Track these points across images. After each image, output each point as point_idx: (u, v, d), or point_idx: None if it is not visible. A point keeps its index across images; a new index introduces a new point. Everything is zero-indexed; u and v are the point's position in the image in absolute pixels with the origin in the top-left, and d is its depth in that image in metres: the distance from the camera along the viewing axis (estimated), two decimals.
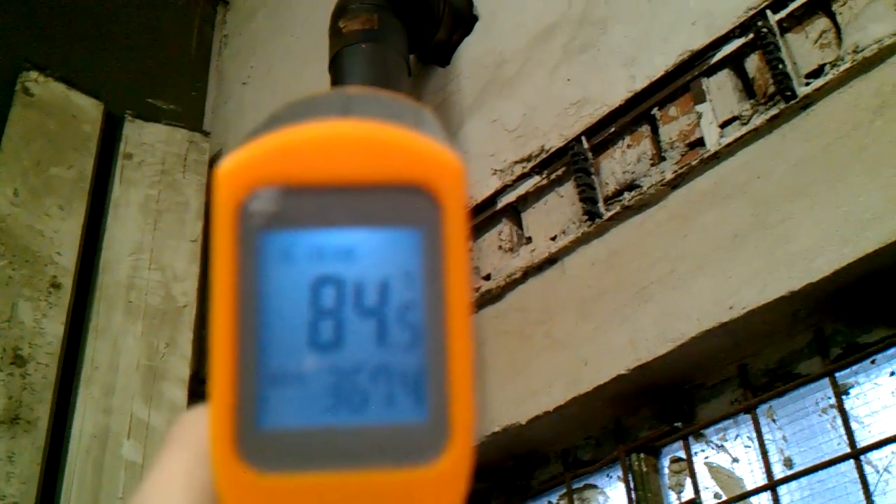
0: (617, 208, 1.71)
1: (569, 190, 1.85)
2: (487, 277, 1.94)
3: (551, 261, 1.82)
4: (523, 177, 1.94)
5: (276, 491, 0.31)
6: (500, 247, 1.96)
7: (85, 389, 2.39)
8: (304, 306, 0.32)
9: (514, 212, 1.98)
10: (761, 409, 1.53)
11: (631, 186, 1.73)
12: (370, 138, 0.32)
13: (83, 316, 2.53)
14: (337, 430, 0.32)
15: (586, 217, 1.76)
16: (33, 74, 2.77)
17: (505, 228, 1.97)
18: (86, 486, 2.26)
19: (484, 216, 2.01)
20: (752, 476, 1.53)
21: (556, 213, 1.86)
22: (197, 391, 2.59)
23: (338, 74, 2.02)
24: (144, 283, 2.67)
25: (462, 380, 0.31)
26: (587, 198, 1.77)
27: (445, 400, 0.31)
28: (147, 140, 2.97)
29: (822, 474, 1.43)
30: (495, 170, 2.01)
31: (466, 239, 0.32)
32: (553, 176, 1.89)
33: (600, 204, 1.76)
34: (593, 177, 1.80)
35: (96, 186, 2.76)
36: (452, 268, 0.32)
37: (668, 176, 1.64)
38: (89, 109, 2.89)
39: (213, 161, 3.07)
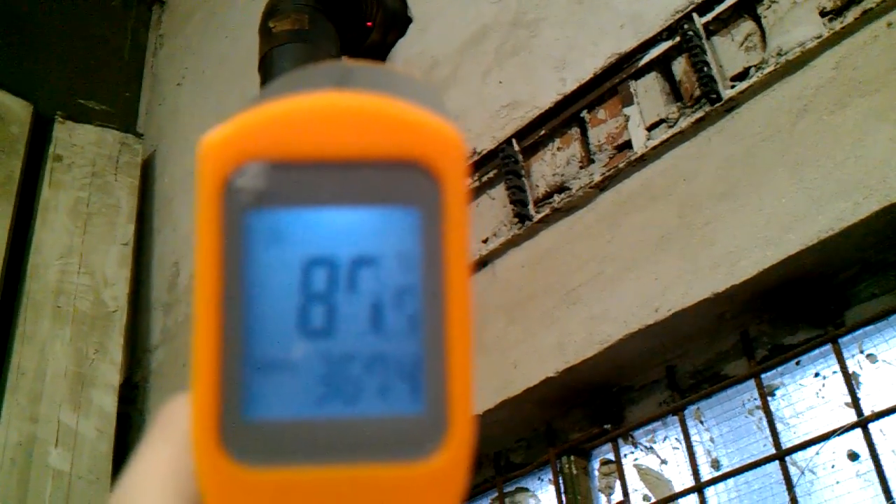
0: (547, 210, 1.71)
1: (500, 192, 1.84)
2: None
3: (482, 263, 1.81)
4: None
5: (261, 486, 0.29)
6: None
7: (10, 397, 2.34)
8: (294, 290, 0.29)
9: None
10: (689, 411, 1.54)
11: (561, 189, 1.72)
12: (365, 111, 0.29)
13: (10, 321, 2.47)
14: (328, 422, 0.29)
15: (517, 219, 1.76)
16: None
17: None
18: (11, 496, 2.20)
19: None
20: (681, 477, 1.53)
21: (488, 215, 1.85)
22: (127, 397, 2.54)
23: (266, 74, 2.00)
24: (73, 287, 2.61)
25: (461, 370, 0.29)
26: (517, 200, 1.76)
27: (443, 391, 0.29)
28: (78, 142, 2.91)
29: (748, 475, 1.44)
30: None
31: (468, 219, 0.30)
32: (485, 178, 1.88)
33: (530, 206, 1.76)
34: (524, 179, 1.79)
35: (24, 189, 2.70)
36: (452, 250, 0.29)
37: (597, 178, 1.64)
38: (17, 110, 2.83)
39: (146, 163, 3.02)
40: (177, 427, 0.32)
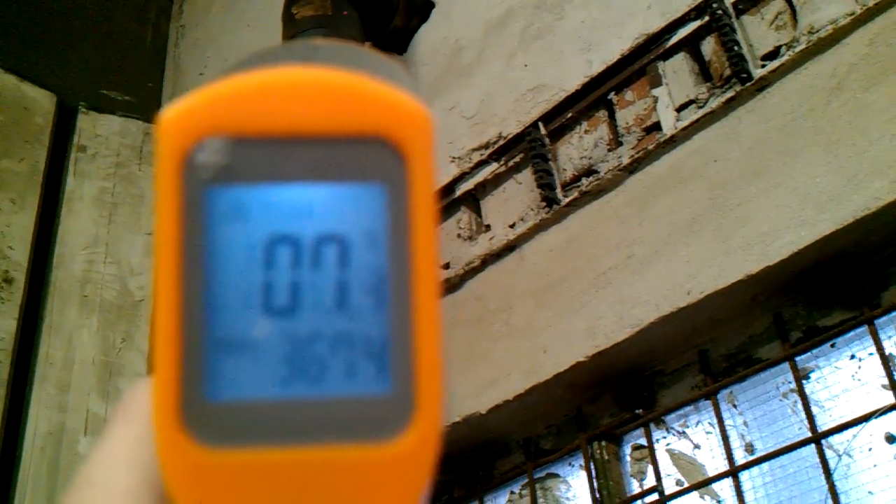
0: (575, 194, 1.69)
1: (527, 176, 1.83)
2: (446, 266, 1.92)
3: (510, 248, 1.79)
4: (481, 164, 1.92)
5: (224, 468, 0.28)
6: (458, 235, 1.93)
7: (39, 386, 2.35)
8: (257, 268, 0.29)
9: (473, 199, 1.96)
10: (722, 395, 1.52)
11: (588, 172, 1.71)
12: (330, 86, 0.29)
13: (37, 311, 2.48)
14: (292, 402, 0.29)
15: (544, 203, 1.74)
16: None
17: (464, 216, 1.95)
18: (41, 485, 2.21)
19: (443, 204, 1.98)
20: (714, 462, 1.52)
21: (515, 200, 1.84)
22: None
23: None
24: (100, 277, 2.62)
25: (429, 349, 0.29)
26: (545, 184, 1.75)
27: (411, 371, 0.29)
28: (101, 132, 2.92)
29: (783, 459, 1.42)
30: (453, 157, 1.98)
31: (434, 196, 0.29)
32: (511, 163, 1.87)
33: (558, 190, 1.74)
34: (551, 163, 1.78)
35: (49, 179, 2.71)
36: (419, 227, 0.29)
37: (625, 161, 1.62)
38: (41, 101, 2.83)
39: None
40: (139, 409, 0.32)
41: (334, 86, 0.29)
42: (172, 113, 0.28)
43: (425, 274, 0.29)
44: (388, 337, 0.29)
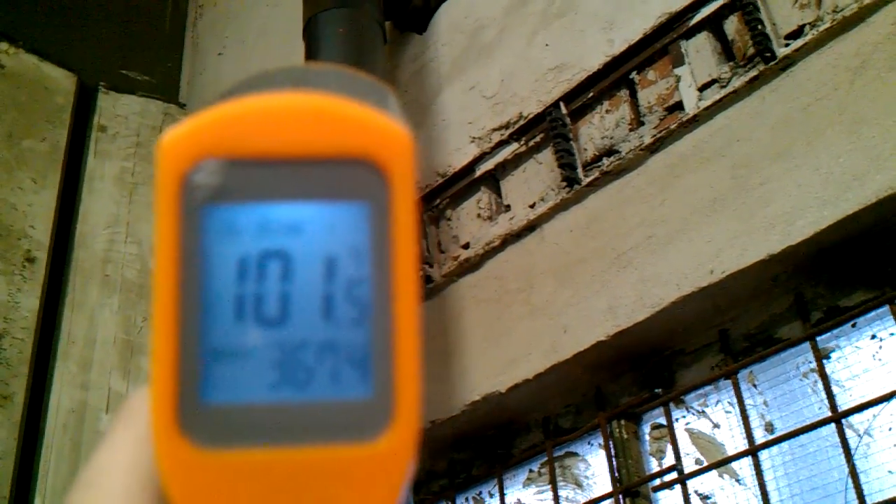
0: (596, 174, 1.69)
1: (547, 157, 1.83)
2: (466, 246, 1.92)
3: (530, 228, 1.80)
4: (501, 144, 1.92)
5: (218, 467, 0.30)
6: (478, 215, 1.94)
7: (62, 364, 2.37)
8: (249, 281, 0.31)
9: (493, 179, 1.96)
10: (742, 375, 1.52)
11: (610, 152, 1.71)
12: (317, 110, 0.31)
13: (59, 290, 2.50)
14: (281, 406, 0.31)
15: (565, 183, 1.74)
16: (4, 46, 2.72)
17: (483, 196, 1.95)
18: (64, 461, 2.23)
19: (462, 184, 1.99)
20: (734, 441, 1.52)
21: (535, 180, 1.84)
22: None
23: (311, 41, 1.99)
24: (121, 256, 2.63)
25: (408, 357, 0.31)
26: (566, 164, 1.75)
27: (391, 377, 0.31)
28: (121, 112, 2.93)
29: (803, 438, 1.42)
30: (473, 137, 1.98)
31: (414, 213, 0.31)
32: (531, 143, 1.87)
33: (579, 170, 1.74)
34: (572, 143, 1.78)
35: (70, 159, 2.72)
36: (399, 243, 0.31)
37: (647, 140, 1.62)
38: (62, 81, 2.84)
39: None
40: (138, 416, 0.34)
41: (321, 110, 0.31)
42: (171, 136, 0.30)
43: (405, 286, 0.31)
44: (370, 345, 0.31)
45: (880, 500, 1.30)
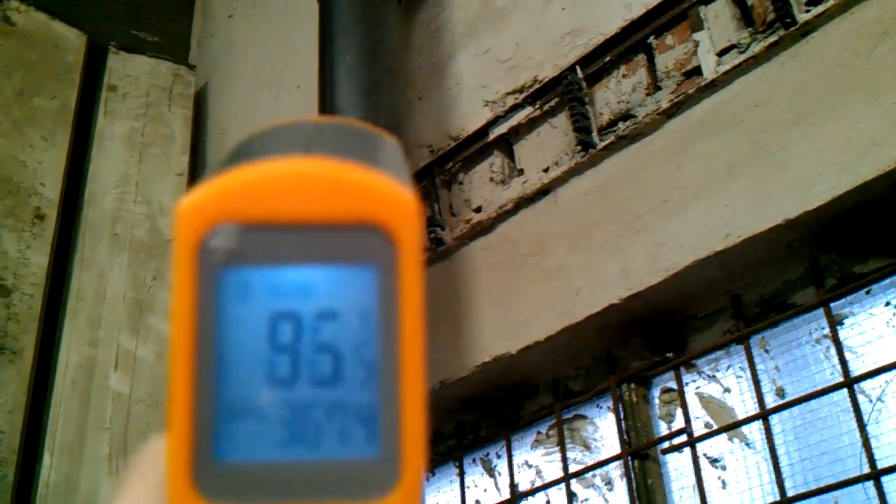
0: (611, 138, 1.69)
1: (562, 121, 1.83)
2: (478, 210, 1.92)
3: (543, 192, 1.80)
4: (516, 108, 1.92)
5: None
6: (491, 179, 1.94)
7: (71, 321, 2.37)
8: (262, 342, 0.32)
9: (506, 143, 1.96)
10: (754, 340, 1.53)
11: (626, 116, 1.70)
12: (327, 177, 0.32)
13: (68, 248, 2.50)
14: (292, 464, 0.32)
15: (580, 147, 1.74)
16: (14, 3, 2.71)
17: (496, 160, 1.95)
18: (72, 417, 2.25)
19: (475, 148, 1.99)
20: (744, 406, 1.53)
21: (549, 144, 1.84)
22: None
23: (324, 2, 1.98)
24: (130, 215, 2.64)
25: (414, 417, 0.32)
26: (581, 128, 1.74)
27: (397, 437, 0.32)
28: (131, 72, 2.92)
29: (814, 403, 1.43)
30: (487, 101, 1.98)
31: (421, 276, 0.32)
32: (546, 107, 1.86)
33: (594, 134, 1.74)
34: (587, 107, 1.77)
35: (80, 118, 2.72)
36: (406, 305, 0.32)
37: (664, 105, 1.62)
38: (72, 40, 2.83)
39: (198, 95, 3.03)
40: (153, 467, 0.35)
41: (330, 177, 0.32)
42: (188, 202, 0.32)
43: (412, 348, 0.32)
44: (377, 406, 0.32)
45: (891, 465, 1.31)
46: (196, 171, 2.89)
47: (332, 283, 0.32)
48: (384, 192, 0.32)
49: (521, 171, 1.88)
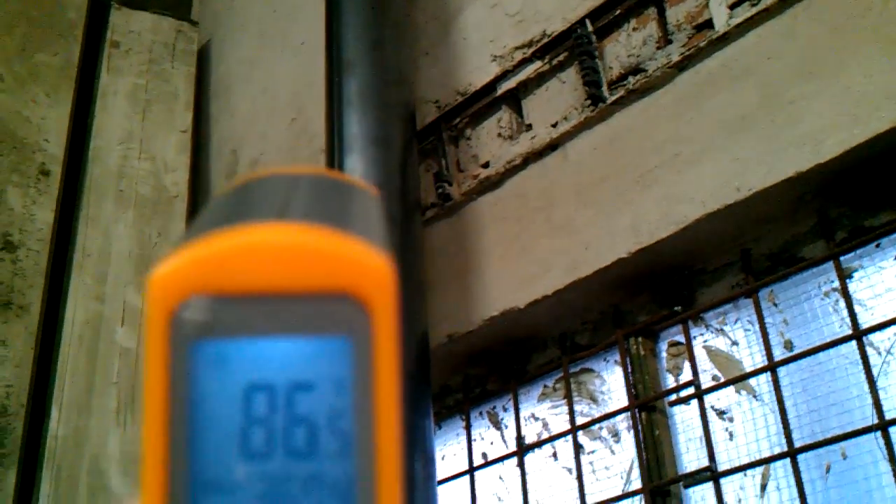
0: (621, 92, 1.69)
1: (571, 76, 1.82)
2: (486, 165, 1.92)
3: (552, 147, 1.79)
4: (524, 62, 1.91)
5: None
6: (499, 134, 1.93)
7: (77, 276, 2.38)
8: (236, 415, 0.32)
9: (514, 99, 1.95)
10: (763, 294, 1.54)
11: (636, 70, 1.70)
12: (301, 246, 0.32)
13: (73, 204, 2.50)
14: None
15: (589, 102, 1.74)
16: None
17: (504, 115, 1.95)
18: (80, 371, 2.26)
19: (483, 103, 1.98)
20: (752, 359, 1.54)
21: (558, 99, 1.83)
22: None
23: None
24: (135, 172, 2.63)
25: (390, 489, 0.32)
26: (591, 81, 1.74)
27: None
28: (134, 28, 2.91)
29: (822, 356, 1.44)
30: (495, 56, 1.97)
31: (396, 346, 0.32)
32: (555, 61, 1.85)
33: (604, 88, 1.73)
34: (597, 61, 1.77)
35: (83, 75, 2.71)
36: (381, 375, 0.32)
37: (675, 58, 1.61)
38: None
39: (201, 51, 3.01)
40: None
41: (304, 246, 0.32)
42: (161, 273, 0.31)
43: (387, 419, 0.32)
44: (353, 478, 0.32)
45: None
46: (199, 128, 2.88)
47: (307, 354, 0.32)
48: (358, 259, 0.32)
49: (529, 127, 1.88)
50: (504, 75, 1.94)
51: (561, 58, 1.84)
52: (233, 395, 0.32)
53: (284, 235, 0.32)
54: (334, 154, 1.80)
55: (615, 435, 1.69)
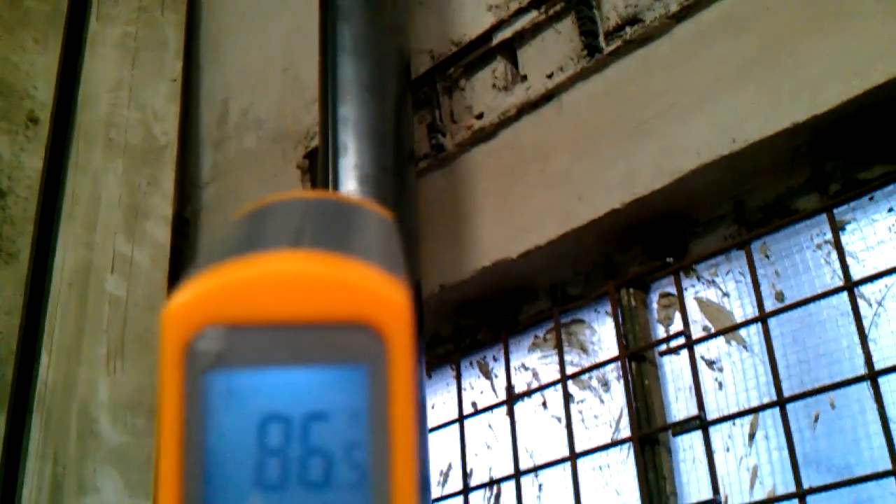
0: (618, 43, 1.68)
1: (567, 26, 1.81)
2: (480, 116, 1.92)
3: (547, 97, 1.79)
4: (520, 12, 1.90)
5: None
6: (493, 85, 1.92)
7: (66, 224, 2.37)
8: (251, 446, 0.32)
9: (509, 49, 1.94)
10: (755, 246, 1.54)
11: (633, 20, 1.69)
12: (315, 275, 0.31)
13: (62, 152, 2.49)
14: None
15: (585, 52, 1.73)
16: None
17: (499, 66, 1.94)
18: (69, 318, 2.25)
19: (477, 54, 1.97)
20: (742, 310, 1.55)
21: (554, 50, 1.83)
22: (179, 231, 2.57)
23: None
24: (124, 121, 2.61)
25: None
26: (587, 31, 1.73)
27: None
28: None
29: (813, 307, 1.45)
30: (490, 5, 1.96)
31: (413, 375, 0.32)
32: (551, 11, 1.84)
33: (601, 38, 1.73)
34: (594, 11, 1.76)
35: (72, 22, 2.68)
36: (398, 406, 0.32)
37: (673, 9, 1.61)
38: None
39: (191, 1, 2.98)
40: None
41: (319, 275, 0.31)
42: (175, 304, 0.31)
43: (403, 450, 0.31)
44: None
45: (889, 366, 1.33)
46: (190, 77, 2.86)
47: (322, 384, 0.32)
48: (374, 288, 0.31)
49: (524, 77, 1.87)
50: (499, 25, 1.93)
51: (557, 7, 1.83)
52: (248, 425, 0.31)
53: (299, 264, 0.32)
54: (328, 102, 1.79)
55: (605, 384, 1.70)
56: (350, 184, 1.63)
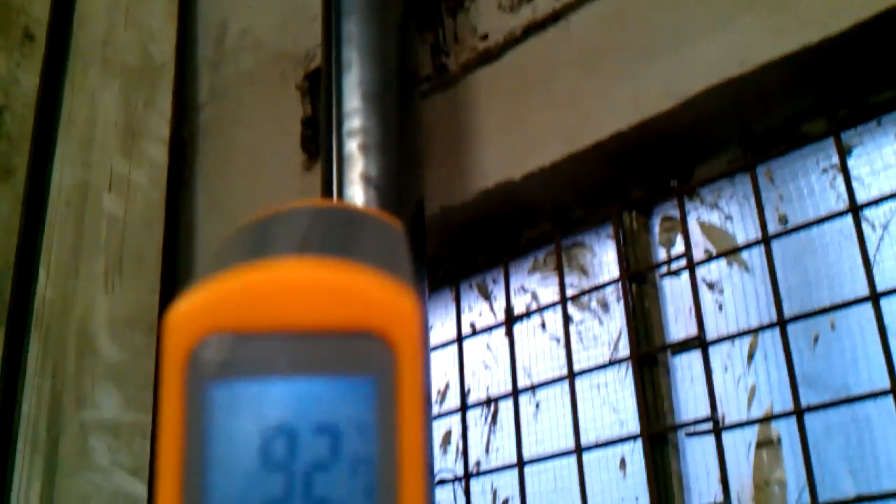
0: None
1: None
2: (485, 37, 1.90)
3: (554, 18, 1.77)
4: None
5: None
6: (499, 6, 1.90)
7: (63, 143, 2.35)
8: (254, 458, 0.31)
9: None
10: (760, 170, 1.55)
11: None
12: (322, 282, 0.31)
13: (59, 70, 2.46)
14: None
15: None
16: None
17: None
18: (67, 235, 2.25)
19: None
20: (745, 233, 1.56)
21: None
22: (176, 152, 2.56)
23: None
24: (120, 40, 2.58)
25: None
26: None
27: None
28: None
29: (817, 230, 1.46)
30: None
31: (422, 386, 0.31)
32: None
33: None
34: None
35: None
36: (407, 418, 0.31)
37: None
38: None
39: None
40: None
41: (326, 282, 0.31)
42: (178, 312, 0.30)
43: (411, 463, 0.31)
44: None
45: (891, 287, 1.34)
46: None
47: (329, 395, 0.31)
48: (382, 296, 0.31)
49: None
50: None
51: None
52: (251, 437, 0.31)
53: (305, 272, 0.31)
54: (331, 21, 1.77)
55: (604, 306, 1.71)
56: (354, 101, 1.62)
